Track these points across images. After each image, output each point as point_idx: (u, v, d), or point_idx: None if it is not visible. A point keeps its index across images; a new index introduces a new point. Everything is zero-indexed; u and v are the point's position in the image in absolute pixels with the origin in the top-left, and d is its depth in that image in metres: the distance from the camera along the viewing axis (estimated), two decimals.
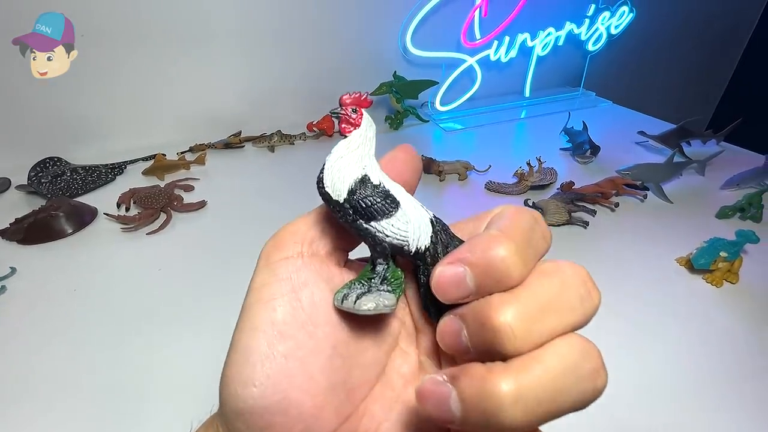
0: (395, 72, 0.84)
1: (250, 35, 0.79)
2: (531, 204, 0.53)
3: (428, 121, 0.90)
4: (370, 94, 0.82)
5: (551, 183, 0.63)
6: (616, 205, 0.57)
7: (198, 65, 0.78)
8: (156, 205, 0.57)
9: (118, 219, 0.54)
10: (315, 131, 0.83)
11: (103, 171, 0.67)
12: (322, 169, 0.16)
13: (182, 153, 0.73)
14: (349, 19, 0.84)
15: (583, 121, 0.75)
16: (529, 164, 0.61)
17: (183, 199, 0.60)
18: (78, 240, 0.52)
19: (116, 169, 0.68)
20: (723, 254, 0.43)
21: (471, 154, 0.70)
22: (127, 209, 0.58)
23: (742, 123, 0.69)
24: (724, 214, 0.55)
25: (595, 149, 0.69)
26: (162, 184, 0.64)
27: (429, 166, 0.67)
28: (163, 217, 0.56)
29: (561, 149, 0.75)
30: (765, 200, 0.58)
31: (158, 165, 0.67)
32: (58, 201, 0.55)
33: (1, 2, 0.63)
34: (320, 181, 0.16)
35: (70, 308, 0.42)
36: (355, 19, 0.85)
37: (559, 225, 0.54)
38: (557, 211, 0.52)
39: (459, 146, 0.82)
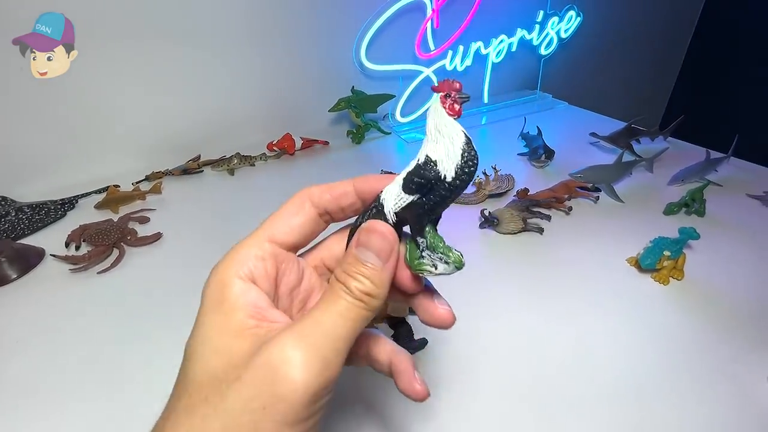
0: (353, 87, 0.85)
1: (204, 57, 0.78)
2: (487, 214, 0.54)
3: (390, 133, 0.90)
4: (329, 110, 0.83)
5: (509, 190, 0.64)
6: (570, 209, 0.59)
7: (150, 90, 0.76)
8: (108, 241, 0.55)
9: (66, 259, 0.52)
10: (276, 151, 0.82)
11: (52, 207, 0.64)
12: (428, 156, 0.18)
13: (137, 183, 0.71)
14: (303, 36, 0.84)
15: (537, 126, 0.77)
16: (485, 173, 0.62)
17: (137, 232, 0.58)
18: (23, 285, 0.50)
19: (67, 205, 0.66)
20: (666, 253, 0.44)
21: None
22: (77, 247, 0.55)
23: (687, 119, 0.72)
24: (670, 210, 0.57)
25: (549, 153, 0.70)
26: (115, 218, 0.62)
27: None
28: (116, 253, 0.54)
29: (518, 154, 0.76)
30: (708, 193, 0.61)
31: (111, 197, 0.65)
32: (1, 245, 0.52)
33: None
34: (429, 163, 0.18)
35: (11, 363, 0.40)
36: (310, 37, 0.85)
37: (515, 233, 0.55)
38: (512, 220, 0.53)
39: None
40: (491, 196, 0.64)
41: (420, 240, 0.19)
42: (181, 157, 0.79)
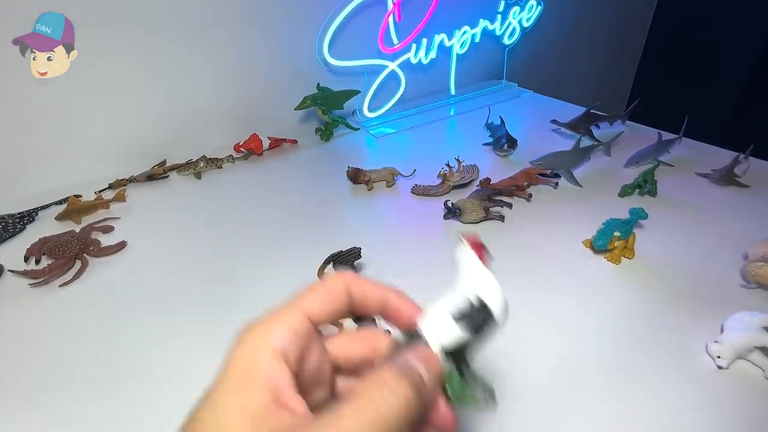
0: (318, 84, 0.84)
1: (165, 60, 0.76)
2: (450, 205, 0.55)
3: (359, 128, 0.91)
4: (295, 108, 0.83)
5: (473, 180, 0.65)
6: (530, 195, 0.60)
7: (110, 96, 0.74)
8: (69, 253, 0.54)
9: (26, 274, 0.51)
10: (243, 152, 0.81)
11: (10, 221, 0.62)
12: (480, 299, 0.21)
13: (100, 192, 0.70)
14: (265, 35, 0.83)
15: (500, 116, 0.78)
16: (448, 165, 0.64)
17: (101, 242, 0.57)
18: None
19: (26, 218, 0.64)
20: (617, 234, 0.46)
21: (405, 157, 0.72)
22: (38, 261, 0.54)
23: (651, 104, 0.75)
24: (624, 192, 0.60)
25: (512, 142, 0.72)
26: (78, 229, 0.60)
27: (356, 177, 0.67)
28: (78, 265, 0.53)
29: (483, 145, 0.78)
30: (660, 174, 0.63)
31: (72, 208, 0.64)
32: None
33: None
34: (483, 305, 0.20)
35: None
36: (272, 35, 0.84)
37: (477, 222, 0.56)
38: (474, 210, 0.55)
39: (392, 150, 0.83)
40: (456, 186, 0.65)
41: (466, 372, 0.20)
42: (146, 164, 0.77)
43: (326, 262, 0.43)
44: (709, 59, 1.29)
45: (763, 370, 0.35)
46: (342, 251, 0.44)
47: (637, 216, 0.48)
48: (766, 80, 1.17)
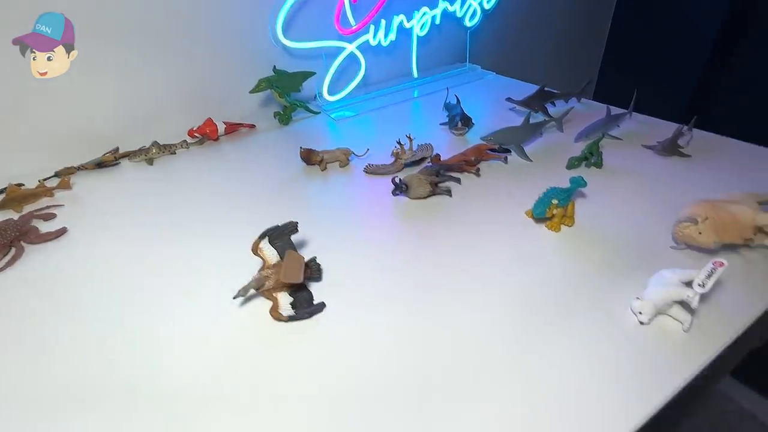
0: (275, 66, 0.83)
1: (115, 44, 0.74)
2: (398, 181, 0.55)
3: (319, 112, 0.89)
4: (250, 92, 0.81)
5: (426, 158, 0.65)
6: (478, 170, 0.61)
7: (59, 83, 0.71)
8: (3, 240, 0.52)
9: None
10: (197, 137, 0.79)
11: None
12: None
13: (44, 180, 0.67)
14: (219, 17, 0.81)
15: (456, 96, 0.78)
16: (399, 143, 0.63)
17: (39, 229, 0.56)
18: None
19: None
20: (554, 201, 0.47)
21: (365, 139, 0.72)
22: None
23: (616, 83, 0.75)
24: (571, 164, 0.60)
25: (466, 120, 0.72)
26: (17, 217, 0.58)
27: (309, 158, 0.67)
28: (13, 252, 0.52)
29: (440, 124, 0.78)
30: (609, 147, 0.64)
31: (11, 197, 0.61)
32: None
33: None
34: None
35: None
36: (226, 17, 0.82)
37: (426, 197, 0.56)
38: (420, 185, 0.55)
39: (353, 133, 0.82)
40: (411, 164, 0.65)
41: None
42: (98, 152, 0.75)
43: (261, 237, 0.42)
44: (675, 36, 1.31)
45: (682, 324, 0.36)
46: (278, 225, 0.43)
47: (577, 184, 0.49)
48: (729, 53, 1.19)
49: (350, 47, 0.89)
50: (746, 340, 0.72)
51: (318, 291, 0.43)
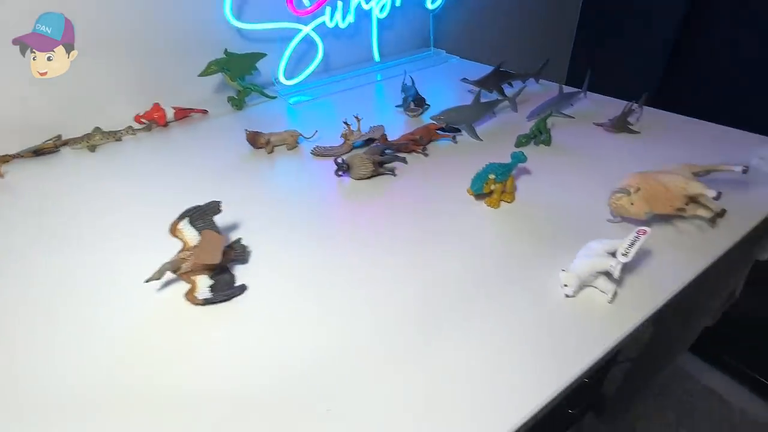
0: (226, 49, 0.80)
1: None
2: (340, 161, 0.53)
3: (276, 96, 0.87)
4: (199, 75, 0.78)
5: (376, 138, 0.63)
6: (424, 148, 0.59)
7: None
8: None
9: None
10: (144, 123, 0.76)
11: None
12: None
13: None
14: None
15: (410, 77, 0.77)
16: (346, 123, 0.61)
17: None
18: None
19: None
20: (491, 176, 0.46)
21: (322, 123, 0.69)
22: None
23: (592, 68, 0.72)
24: (519, 142, 0.59)
25: (419, 102, 0.71)
26: None
27: (255, 141, 0.64)
28: None
29: (396, 106, 0.76)
30: (561, 125, 0.63)
31: None
32: None
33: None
34: None
35: None
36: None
37: (369, 177, 0.54)
38: (362, 165, 0.53)
39: (310, 117, 0.80)
40: (360, 145, 0.63)
41: None
42: (40, 140, 0.72)
43: (180, 218, 0.40)
44: (643, 17, 1.31)
45: (606, 294, 0.35)
46: (199, 206, 0.41)
47: (517, 159, 0.48)
48: (696, 34, 1.20)
49: (306, 29, 0.86)
50: (698, 318, 0.73)
51: (243, 273, 0.42)
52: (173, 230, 0.40)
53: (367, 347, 0.34)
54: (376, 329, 0.35)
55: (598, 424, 1.13)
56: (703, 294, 0.68)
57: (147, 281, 0.37)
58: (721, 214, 0.41)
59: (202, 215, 0.41)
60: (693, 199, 0.40)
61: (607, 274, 0.35)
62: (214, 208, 0.42)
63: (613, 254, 0.34)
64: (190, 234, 0.40)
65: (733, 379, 1.16)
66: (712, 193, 0.38)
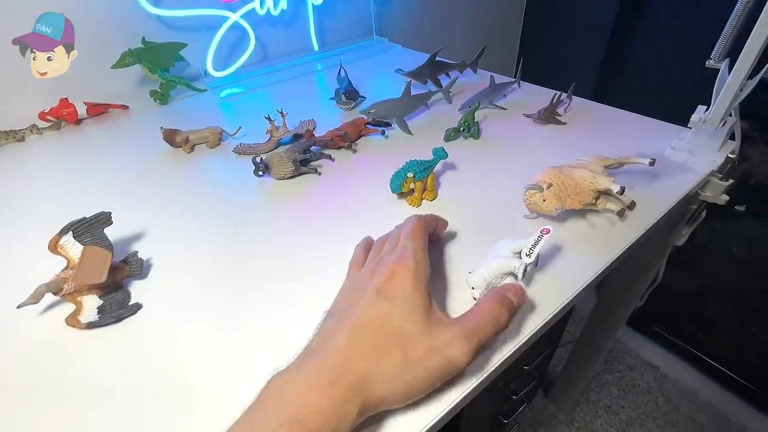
0: (144, 38, 0.74)
1: None
2: (259, 160, 0.50)
3: (205, 89, 0.82)
4: (112, 67, 0.71)
5: (302, 134, 0.60)
6: (349, 145, 0.57)
7: None
8: None
9: None
10: (51, 120, 0.69)
11: None
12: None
13: None
14: None
15: (343, 67, 0.74)
16: (268, 118, 0.58)
17: None
18: None
19: None
20: (410, 174, 0.44)
21: (256, 117, 0.65)
22: None
23: (531, 61, 0.72)
24: (448, 136, 0.58)
25: (352, 94, 0.68)
26: None
27: (172, 139, 0.60)
28: None
29: (330, 99, 0.73)
30: (493, 117, 0.62)
31: None
32: None
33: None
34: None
35: None
36: None
37: (291, 177, 0.52)
38: (281, 164, 0.50)
39: (243, 111, 0.76)
40: (288, 141, 0.60)
41: None
42: None
43: (61, 232, 0.36)
44: (586, 10, 1.33)
45: None
46: (85, 218, 0.37)
47: (438, 156, 0.47)
48: (632, 25, 1.23)
49: (234, 16, 0.81)
50: (629, 300, 0.76)
51: (142, 289, 0.38)
52: (53, 247, 0.36)
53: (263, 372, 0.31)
54: (290, 353, 0.33)
55: (546, 403, 1.18)
56: (628, 280, 0.71)
57: (20, 306, 0.33)
58: (631, 206, 0.42)
59: (89, 228, 0.37)
60: (603, 193, 0.41)
61: (514, 275, 0.34)
62: (103, 219, 0.38)
63: (520, 254, 0.34)
64: (75, 250, 0.36)
65: (669, 352, 1.24)
66: (616, 188, 0.38)
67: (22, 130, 0.67)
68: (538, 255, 0.33)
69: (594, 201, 0.40)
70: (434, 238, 0.39)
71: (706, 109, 0.47)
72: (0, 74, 0.70)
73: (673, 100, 1.13)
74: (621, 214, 0.40)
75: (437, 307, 0.28)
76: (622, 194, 0.38)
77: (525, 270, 0.33)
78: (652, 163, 0.43)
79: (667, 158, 0.51)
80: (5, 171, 0.61)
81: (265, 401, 0.23)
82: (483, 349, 0.28)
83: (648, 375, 1.21)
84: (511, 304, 0.29)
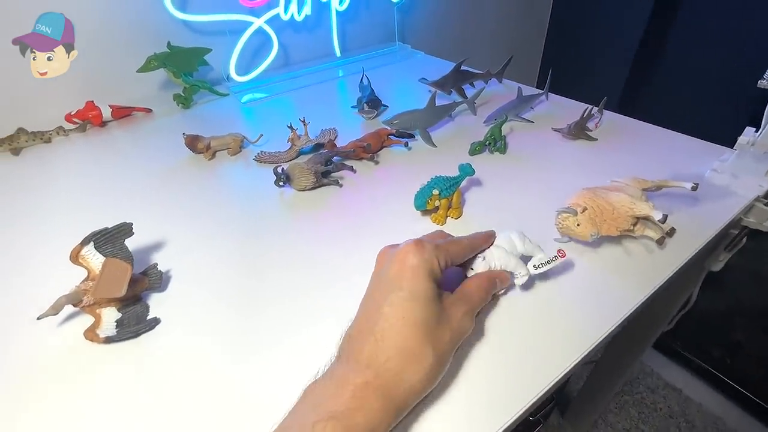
0: (169, 42, 0.74)
1: None
2: (279, 171, 0.49)
3: (227, 94, 0.82)
4: (138, 71, 0.72)
5: (324, 144, 0.59)
6: (372, 156, 0.56)
7: None
8: None
9: None
10: (77, 123, 0.70)
11: None
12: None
13: None
14: None
15: (366, 76, 0.73)
16: (290, 127, 0.57)
17: None
18: None
19: None
20: (435, 192, 0.43)
21: (278, 123, 0.64)
22: None
23: (558, 71, 0.69)
24: (473, 150, 0.56)
25: (374, 103, 0.67)
26: None
27: (194, 145, 0.60)
28: None
29: (352, 107, 0.72)
30: (519, 129, 0.60)
31: None
32: None
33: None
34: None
35: None
36: None
37: (312, 188, 0.51)
38: (302, 175, 0.49)
39: (265, 116, 0.75)
40: (309, 150, 0.59)
41: None
42: None
43: (83, 243, 0.36)
44: (613, 17, 1.30)
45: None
46: (107, 228, 0.37)
47: (465, 173, 0.45)
48: (662, 36, 1.19)
49: (258, 22, 0.80)
50: (657, 324, 0.72)
51: (159, 302, 0.38)
52: (74, 257, 0.35)
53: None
54: (313, 369, 0.31)
55: (561, 422, 1.14)
56: (659, 304, 0.68)
57: (40, 318, 0.33)
58: (671, 233, 0.40)
59: (110, 239, 0.37)
60: (646, 218, 0.39)
61: (513, 275, 0.34)
62: (125, 230, 0.37)
63: (529, 259, 0.34)
64: (96, 261, 0.36)
65: (693, 375, 1.19)
66: (658, 216, 0.36)
67: (49, 131, 0.68)
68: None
69: (632, 227, 0.38)
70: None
71: (756, 131, 0.45)
72: (28, 76, 0.71)
73: (703, 116, 1.09)
74: (661, 242, 0.38)
75: (441, 289, 0.30)
76: (664, 222, 0.36)
77: (526, 281, 0.34)
78: (695, 188, 0.40)
79: (707, 181, 0.48)
80: (32, 172, 0.61)
81: (301, 404, 0.25)
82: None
83: (671, 398, 1.16)
84: (495, 288, 0.33)
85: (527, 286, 0.36)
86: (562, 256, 0.33)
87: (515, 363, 0.31)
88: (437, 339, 0.27)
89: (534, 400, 0.29)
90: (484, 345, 0.33)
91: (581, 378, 1.04)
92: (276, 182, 0.50)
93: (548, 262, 0.33)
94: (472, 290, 0.31)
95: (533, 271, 0.33)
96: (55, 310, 0.33)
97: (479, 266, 0.33)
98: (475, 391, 0.30)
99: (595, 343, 0.33)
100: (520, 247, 0.34)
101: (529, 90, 0.69)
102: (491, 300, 0.34)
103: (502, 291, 0.35)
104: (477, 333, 0.33)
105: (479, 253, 0.34)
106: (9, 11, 0.65)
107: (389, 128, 0.58)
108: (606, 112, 0.64)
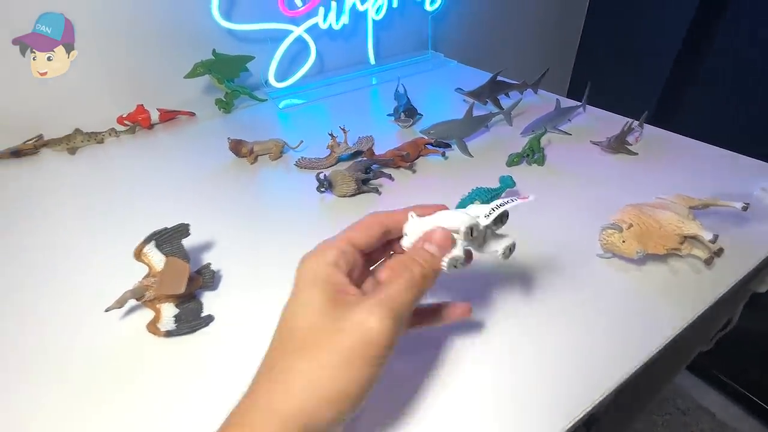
0: (214, 50, 0.77)
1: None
2: (322, 177, 0.51)
3: (266, 99, 0.84)
4: (185, 77, 0.75)
5: (363, 151, 0.61)
6: (410, 165, 0.57)
7: None
8: None
9: None
10: (128, 125, 0.74)
11: None
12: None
13: None
14: None
15: (403, 85, 0.74)
16: (331, 135, 0.59)
17: None
18: None
19: None
20: (477, 203, 0.43)
21: (314, 129, 0.67)
22: None
23: (593, 82, 0.68)
24: (511, 161, 0.57)
25: (411, 112, 0.68)
26: None
27: (237, 150, 0.62)
28: None
29: (388, 115, 0.73)
30: (557, 142, 0.60)
31: None
32: None
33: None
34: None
35: None
36: None
37: (353, 195, 0.52)
38: (344, 182, 0.51)
39: (302, 122, 0.78)
40: (347, 157, 0.61)
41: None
42: (19, 140, 0.70)
43: (145, 241, 0.38)
44: (650, 28, 1.27)
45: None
46: (166, 228, 0.39)
47: (505, 184, 0.46)
48: (700, 48, 1.16)
49: (298, 30, 0.83)
50: (695, 344, 0.70)
51: (212, 301, 0.40)
52: (138, 255, 0.38)
53: None
54: None
55: None
56: (700, 324, 0.66)
57: (107, 310, 0.35)
58: (719, 253, 0.39)
59: (169, 238, 0.39)
60: (693, 236, 0.38)
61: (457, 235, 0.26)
62: (182, 230, 0.40)
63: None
64: (157, 258, 0.38)
65: (728, 398, 1.14)
66: (708, 236, 0.35)
67: (102, 132, 0.72)
68: (501, 219, 0.27)
69: (679, 245, 0.38)
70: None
71: None
72: (83, 78, 0.75)
73: (750, 132, 1.05)
74: (709, 262, 0.38)
75: (355, 291, 0.24)
76: (714, 242, 0.35)
77: (471, 233, 0.25)
78: (745, 208, 0.39)
79: (756, 200, 0.47)
80: (86, 171, 0.65)
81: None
82: (407, 312, 0.24)
83: (703, 422, 1.11)
84: (428, 256, 0.25)
85: (564, 299, 0.36)
86: (524, 199, 0.27)
87: (552, 385, 0.31)
88: (319, 350, 0.22)
89: (568, 426, 0.29)
90: (522, 365, 0.33)
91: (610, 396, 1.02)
92: (318, 188, 0.52)
93: (501, 206, 0.26)
94: (387, 278, 0.25)
95: (484, 221, 0.26)
96: (120, 303, 0.36)
97: (401, 247, 0.28)
98: (513, 410, 0.30)
99: (639, 366, 0.33)
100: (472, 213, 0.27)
101: (566, 102, 0.68)
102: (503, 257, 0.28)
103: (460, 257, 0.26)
104: (513, 352, 0.34)
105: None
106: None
107: (426, 137, 0.59)
108: (646, 126, 0.63)
